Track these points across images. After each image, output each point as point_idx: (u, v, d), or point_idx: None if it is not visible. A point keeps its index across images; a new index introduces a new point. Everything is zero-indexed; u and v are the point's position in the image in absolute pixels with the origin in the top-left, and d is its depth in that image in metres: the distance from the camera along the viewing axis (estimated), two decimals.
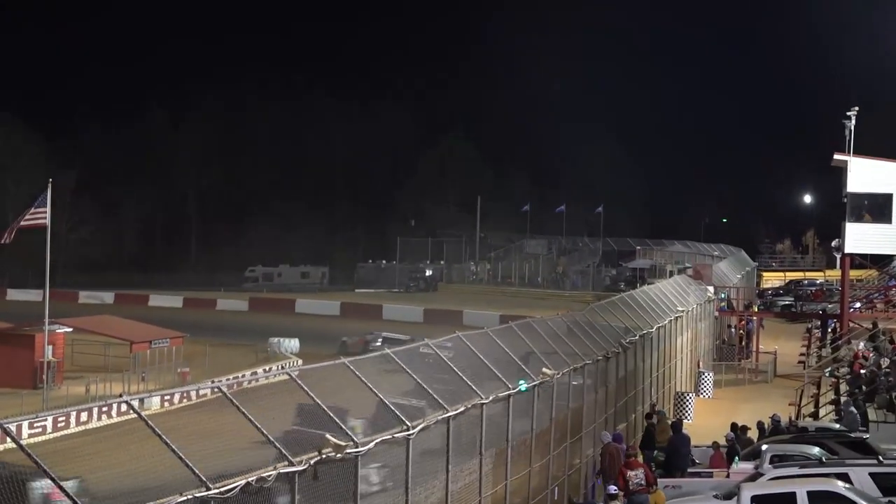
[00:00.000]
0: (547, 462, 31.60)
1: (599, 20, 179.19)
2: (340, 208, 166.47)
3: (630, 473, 31.77)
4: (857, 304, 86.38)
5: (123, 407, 48.04)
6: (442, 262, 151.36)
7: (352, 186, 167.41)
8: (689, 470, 38.36)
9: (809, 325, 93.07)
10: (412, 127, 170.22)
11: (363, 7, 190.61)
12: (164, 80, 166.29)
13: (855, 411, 43.71)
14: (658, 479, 34.07)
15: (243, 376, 61.95)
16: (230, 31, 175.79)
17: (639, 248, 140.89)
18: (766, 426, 45.67)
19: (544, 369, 31.60)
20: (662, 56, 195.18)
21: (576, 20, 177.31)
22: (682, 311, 59.59)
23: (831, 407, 52.83)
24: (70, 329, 76.24)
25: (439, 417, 23.70)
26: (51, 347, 68.20)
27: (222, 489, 16.93)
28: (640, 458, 34.48)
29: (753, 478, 32.05)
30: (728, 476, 36.20)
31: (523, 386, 29.10)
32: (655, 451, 40.67)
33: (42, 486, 18.32)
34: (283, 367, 55.33)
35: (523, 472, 29.39)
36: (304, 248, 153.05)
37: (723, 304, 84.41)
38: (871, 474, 31.15)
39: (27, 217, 63.30)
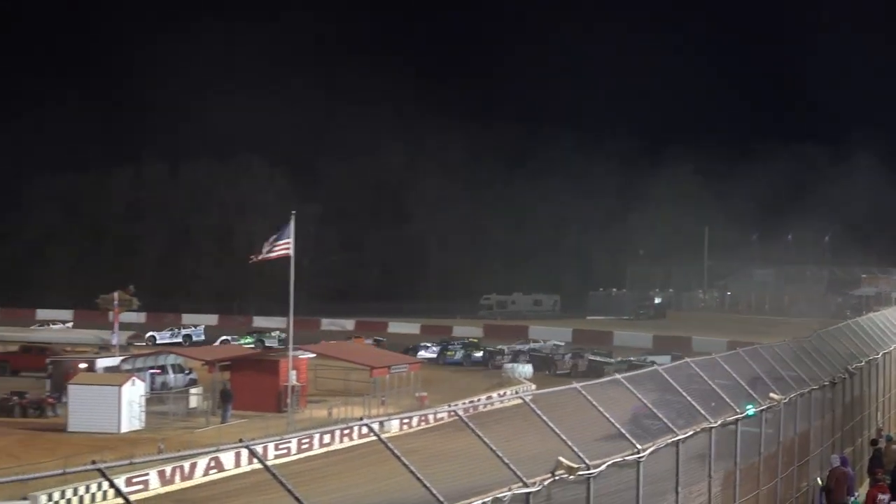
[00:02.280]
0: (774, 485, 31.21)
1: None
2: (570, 239, 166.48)
3: (880, 497, 31.46)
4: None
5: (364, 430, 48.84)
6: (670, 290, 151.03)
7: (581, 217, 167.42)
8: None
9: None
10: (638, 157, 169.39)
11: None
12: (401, 121, 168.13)
13: None
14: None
15: (479, 400, 62.15)
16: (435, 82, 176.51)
17: (864, 276, 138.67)
18: None
19: (772, 394, 31.24)
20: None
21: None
22: None
23: None
24: (313, 355, 77.70)
25: (669, 440, 23.61)
26: (295, 372, 69.34)
27: None
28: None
29: None
30: None
31: (751, 411, 28.82)
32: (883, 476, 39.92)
33: None
34: (516, 392, 55.50)
35: (751, 495, 29.05)
36: (537, 277, 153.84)
37: None
38: None
39: (273, 247, 64.94)
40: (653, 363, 53.00)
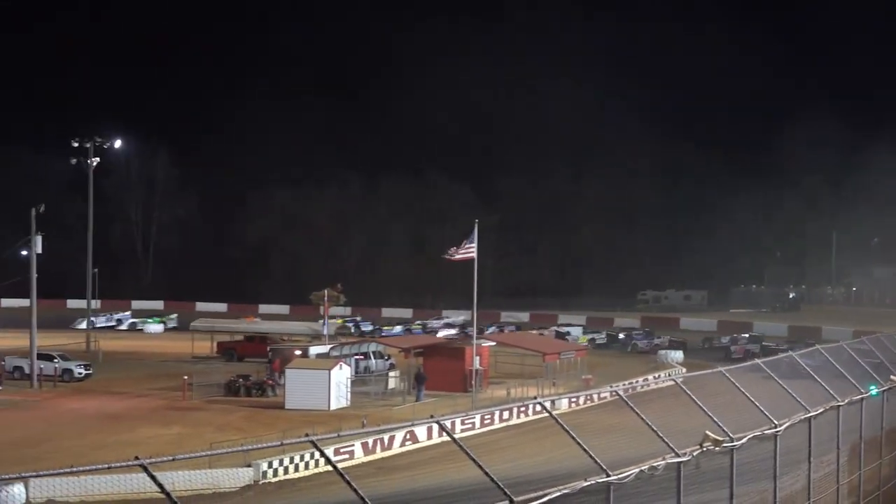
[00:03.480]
0: (894, 457, 30.70)
1: None
2: (718, 241, 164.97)
3: None
4: None
5: (538, 407, 48.94)
6: (803, 287, 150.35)
7: (728, 219, 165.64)
8: None
9: None
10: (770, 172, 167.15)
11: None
12: (568, 147, 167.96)
13: None
14: None
15: (636, 382, 61.85)
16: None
17: None
18: None
19: (892, 376, 30.82)
20: None
21: None
22: None
23: None
24: (494, 343, 78.17)
25: (802, 417, 23.43)
26: (478, 358, 69.77)
27: (620, 476, 17.13)
28: None
29: None
30: None
31: (874, 391, 28.46)
32: None
33: None
34: (669, 375, 55.19)
35: (874, 465, 28.65)
36: (688, 275, 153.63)
37: None
38: None
39: (460, 251, 65.60)
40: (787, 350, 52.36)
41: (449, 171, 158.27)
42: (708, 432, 19.66)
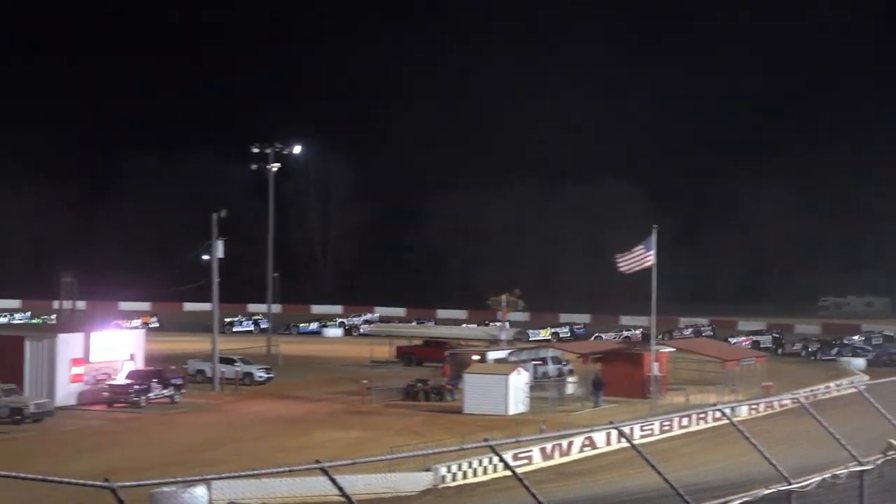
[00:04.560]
0: None
1: None
2: None
3: None
4: None
5: (717, 414, 48.49)
6: None
7: None
8: None
9: None
10: None
11: None
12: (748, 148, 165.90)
13: None
14: None
15: (817, 389, 60.85)
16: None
17: None
18: None
19: None
20: None
21: None
22: None
23: None
24: (673, 349, 77.62)
25: None
26: (657, 364, 69.33)
27: (801, 484, 16.99)
28: None
29: None
30: None
31: None
32: None
33: None
34: (851, 382, 54.17)
35: None
36: (870, 282, 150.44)
37: None
38: None
39: (637, 258, 65.27)
40: None
41: (627, 175, 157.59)
42: (892, 440, 19.36)
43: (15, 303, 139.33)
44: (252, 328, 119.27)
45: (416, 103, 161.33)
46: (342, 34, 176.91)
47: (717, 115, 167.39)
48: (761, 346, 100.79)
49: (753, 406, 57.08)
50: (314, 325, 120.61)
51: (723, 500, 15.63)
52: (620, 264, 66.47)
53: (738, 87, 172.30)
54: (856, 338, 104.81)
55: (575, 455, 50.46)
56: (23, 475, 11.39)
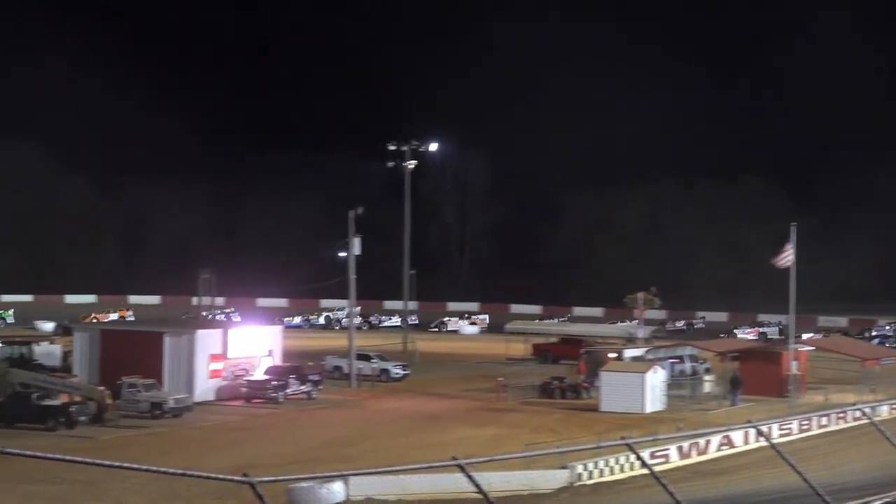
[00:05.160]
0: None
1: None
2: None
3: None
4: None
5: (857, 413, 47.76)
6: None
7: None
8: None
9: None
10: None
11: None
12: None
13: None
14: None
15: None
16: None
17: None
18: None
19: None
20: None
21: None
22: None
23: None
24: (812, 348, 76.52)
25: None
26: (795, 363, 68.41)
27: None
28: None
29: None
30: None
31: None
32: None
33: None
34: None
35: None
36: None
37: None
38: None
39: (782, 257, 64.62)
40: None
41: (765, 172, 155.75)
42: None
43: (155, 299, 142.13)
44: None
45: (552, 102, 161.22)
46: (480, 33, 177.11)
47: (854, 110, 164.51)
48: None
49: (894, 406, 56.12)
50: (298, 320, 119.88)
51: (864, 500, 15.36)
52: (777, 261, 65.74)
53: (876, 83, 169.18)
54: None
55: (712, 454, 50.01)
56: (163, 469, 11.60)
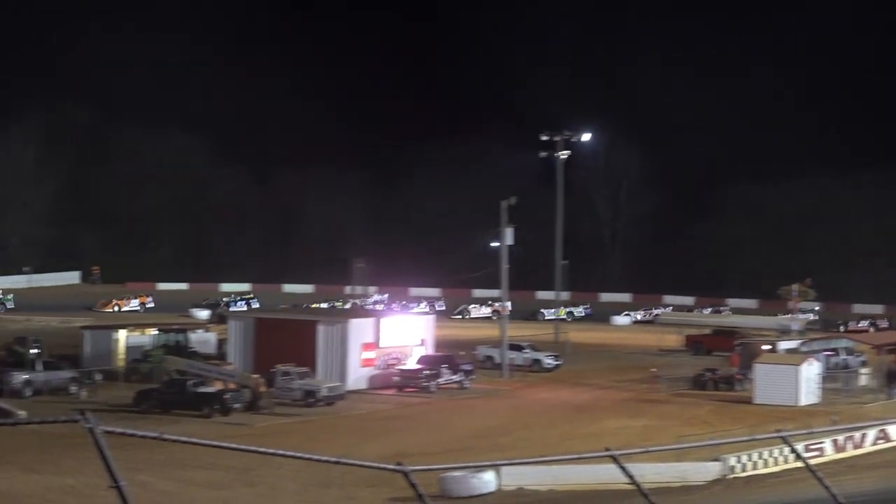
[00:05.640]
0: None
1: None
2: None
3: None
4: None
5: None
6: None
7: None
8: None
9: None
10: None
11: None
12: None
13: None
14: None
15: None
16: None
17: None
18: None
19: None
20: None
21: None
22: None
23: None
24: None
25: None
26: None
27: None
28: None
29: None
30: None
31: None
32: None
33: None
34: None
35: None
36: None
37: None
38: None
39: None
40: None
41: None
42: None
43: (308, 288, 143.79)
44: (245, 308, 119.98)
45: (703, 92, 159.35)
46: (631, 24, 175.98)
47: None
48: None
49: None
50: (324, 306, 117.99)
51: None
52: None
53: None
54: None
55: (868, 448, 49.19)
56: (317, 457, 11.75)
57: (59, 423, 9.67)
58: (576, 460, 37.00)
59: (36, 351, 68.14)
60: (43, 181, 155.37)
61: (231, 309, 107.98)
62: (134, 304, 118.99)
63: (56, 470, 36.10)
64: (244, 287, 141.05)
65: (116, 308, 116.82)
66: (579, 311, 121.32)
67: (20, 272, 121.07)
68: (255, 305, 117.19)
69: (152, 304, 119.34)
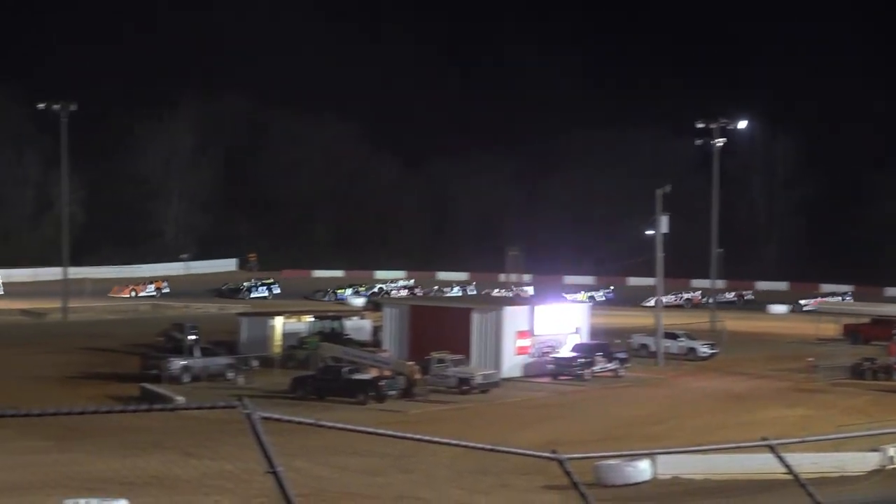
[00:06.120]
0: None
1: None
2: None
3: None
4: None
5: None
6: None
7: None
8: None
9: None
10: None
11: None
12: None
13: None
14: None
15: None
16: None
17: None
18: None
19: None
20: None
21: None
22: None
23: None
24: None
25: None
26: None
27: None
28: None
29: None
30: None
31: None
32: None
33: None
34: None
35: None
36: None
37: None
38: None
39: None
40: None
41: None
42: None
43: (462, 275, 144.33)
44: (266, 294, 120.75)
45: (859, 79, 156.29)
46: (787, 10, 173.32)
47: None
48: None
49: None
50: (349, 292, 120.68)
51: None
52: None
53: None
54: None
55: None
56: (472, 444, 11.76)
57: (217, 408, 9.81)
58: (732, 449, 36.59)
59: (193, 337, 69.38)
60: (200, 169, 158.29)
61: (252, 295, 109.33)
62: (150, 289, 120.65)
63: (213, 455, 36.65)
64: (399, 274, 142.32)
65: (133, 293, 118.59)
66: (600, 294, 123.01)
67: (178, 259, 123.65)
68: (277, 291, 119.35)
69: (168, 290, 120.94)
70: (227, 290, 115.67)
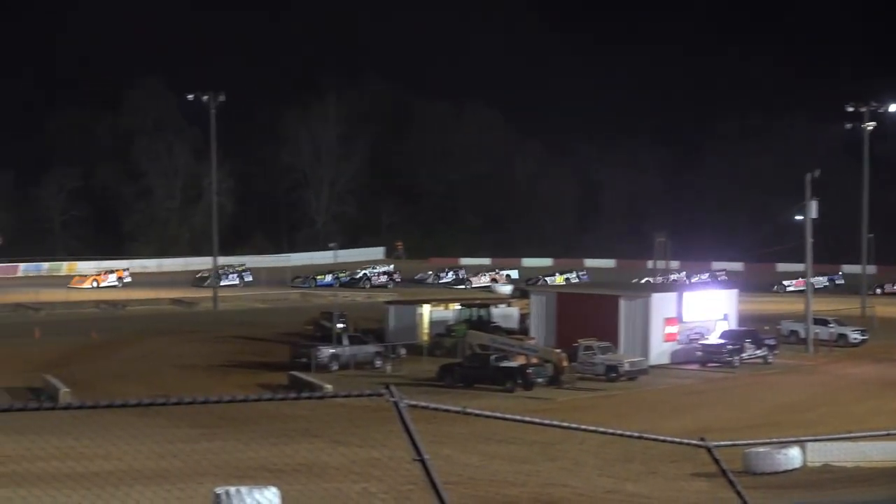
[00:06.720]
0: None
1: None
2: None
3: None
4: None
5: None
6: None
7: None
8: None
9: None
10: None
11: None
12: None
13: None
14: None
15: None
16: None
17: None
18: None
19: None
20: None
21: None
22: None
23: None
24: None
25: None
26: None
27: None
28: None
29: None
30: None
31: None
32: None
33: None
34: None
35: None
36: None
37: None
38: None
39: None
40: None
41: None
42: None
43: (610, 262, 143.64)
44: (237, 282, 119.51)
45: None
46: None
47: None
48: None
49: None
50: (329, 278, 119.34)
51: None
52: None
53: None
54: None
55: None
56: (619, 432, 11.71)
57: (365, 396, 9.88)
58: (884, 437, 35.89)
59: (342, 326, 70.02)
60: (348, 158, 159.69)
61: (222, 283, 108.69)
62: (111, 279, 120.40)
63: (361, 442, 36.93)
64: (546, 262, 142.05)
65: (95, 284, 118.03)
66: (573, 276, 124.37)
67: (327, 248, 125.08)
68: (249, 279, 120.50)
69: (129, 280, 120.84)
70: (199, 280, 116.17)
